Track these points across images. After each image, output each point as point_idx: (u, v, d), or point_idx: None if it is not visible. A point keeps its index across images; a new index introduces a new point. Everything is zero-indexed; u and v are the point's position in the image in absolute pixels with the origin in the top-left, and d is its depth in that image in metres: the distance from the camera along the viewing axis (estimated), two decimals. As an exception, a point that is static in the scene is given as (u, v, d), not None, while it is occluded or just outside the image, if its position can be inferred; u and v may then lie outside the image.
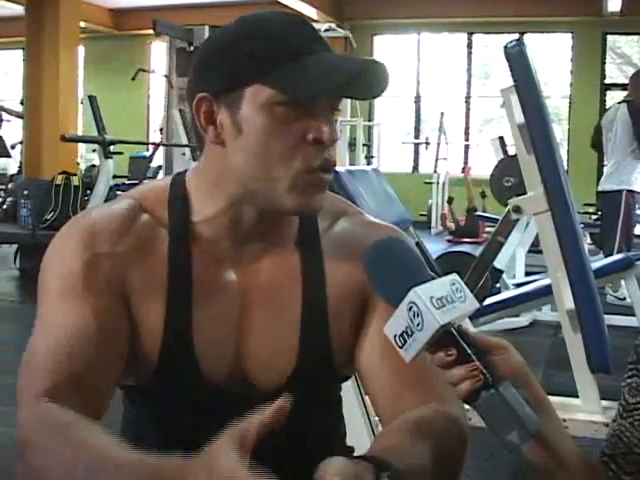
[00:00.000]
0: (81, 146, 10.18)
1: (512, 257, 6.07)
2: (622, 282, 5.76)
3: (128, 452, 0.97)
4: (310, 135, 1.12)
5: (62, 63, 8.77)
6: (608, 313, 4.03)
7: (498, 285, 5.19)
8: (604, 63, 13.68)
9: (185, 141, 8.58)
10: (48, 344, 1.11)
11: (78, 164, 10.70)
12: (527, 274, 6.55)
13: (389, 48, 14.99)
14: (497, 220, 3.81)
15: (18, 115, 10.46)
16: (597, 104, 13.34)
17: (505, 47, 3.22)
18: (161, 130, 10.59)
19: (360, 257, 1.19)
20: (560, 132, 13.49)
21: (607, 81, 13.67)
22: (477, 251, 4.46)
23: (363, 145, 11.64)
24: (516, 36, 3.92)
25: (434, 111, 13.86)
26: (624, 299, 6.29)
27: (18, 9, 10.39)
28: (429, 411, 1.15)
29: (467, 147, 14.02)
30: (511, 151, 7.98)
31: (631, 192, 6.55)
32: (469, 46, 14.44)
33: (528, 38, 12.84)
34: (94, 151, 9.68)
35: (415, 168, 14.73)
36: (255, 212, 1.19)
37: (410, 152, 14.86)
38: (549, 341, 5.29)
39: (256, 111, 1.11)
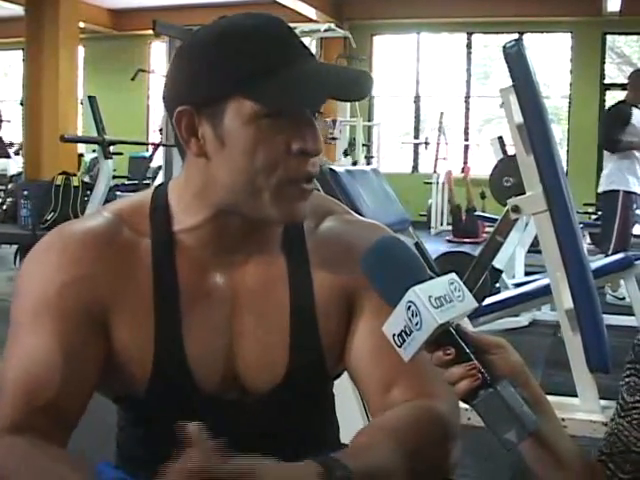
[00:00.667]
0: (81, 146, 10.16)
1: (511, 257, 6.07)
2: (621, 282, 5.77)
3: None
4: (294, 146, 1.11)
5: (62, 63, 8.76)
6: (607, 313, 4.03)
7: (497, 285, 5.20)
8: (604, 63, 13.67)
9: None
10: (16, 373, 1.10)
11: (82, 155, 10.68)
12: (526, 274, 6.55)
13: (388, 48, 14.98)
14: (496, 220, 3.81)
15: None
16: (596, 104, 13.34)
17: (504, 47, 3.22)
18: (160, 130, 10.58)
19: (346, 256, 1.20)
20: (560, 132, 13.49)
21: (606, 81, 13.66)
22: (476, 251, 4.46)
23: (363, 145, 11.63)
24: (515, 36, 3.93)
25: (433, 111, 13.86)
26: (623, 299, 6.29)
27: (18, 9, 10.38)
28: (412, 407, 1.15)
29: (467, 147, 14.01)
30: (510, 151, 7.99)
31: (628, 193, 6.56)
32: (468, 46, 14.43)
33: (528, 38, 12.88)
34: (94, 151, 9.70)
35: (415, 168, 14.72)
36: (240, 221, 1.18)
37: (410, 152, 14.86)
38: (548, 341, 5.28)
39: (240, 124, 1.10)
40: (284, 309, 1.22)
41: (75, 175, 8.26)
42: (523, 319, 5.70)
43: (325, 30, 10.60)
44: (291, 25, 1.17)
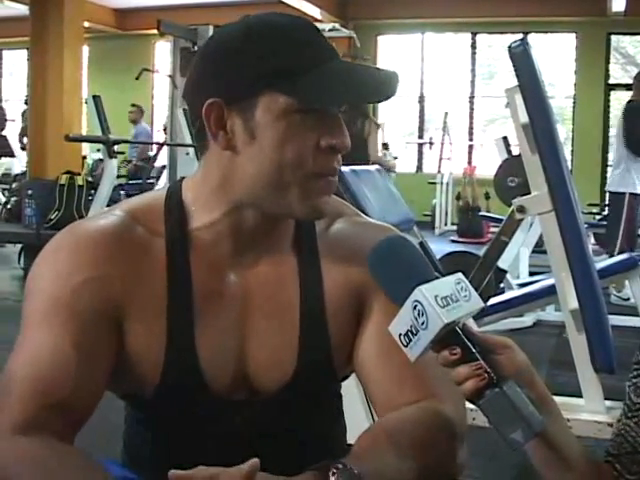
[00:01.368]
0: (84, 148, 10.18)
1: (516, 257, 6.07)
2: (626, 282, 5.75)
3: None
4: (324, 142, 1.12)
5: (66, 63, 8.76)
6: (612, 313, 4.02)
7: (502, 285, 5.19)
8: (608, 63, 13.65)
9: (189, 141, 8.58)
10: (27, 372, 1.09)
11: (85, 158, 10.70)
12: (531, 274, 6.55)
13: (393, 48, 14.98)
14: (501, 220, 3.80)
15: None
16: (601, 104, 13.34)
17: (509, 47, 3.21)
18: (165, 130, 10.60)
19: (356, 257, 1.19)
20: (564, 132, 13.48)
21: (611, 81, 13.64)
22: (481, 251, 4.46)
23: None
24: (520, 36, 3.92)
25: (438, 111, 13.84)
26: (628, 299, 6.28)
27: (22, 9, 10.40)
28: (418, 409, 1.15)
29: (471, 147, 14.01)
30: (515, 151, 7.98)
31: (634, 195, 6.57)
32: (473, 46, 14.43)
33: (532, 38, 12.83)
34: (98, 150, 9.70)
35: (419, 168, 14.72)
36: (257, 216, 1.18)
37: (414, 152, 14.85)
38: (553, 341, 5.28)
39: (272, 119, 1.10)
40: (294, 309, 1.22)
41: (79, 174, 8.27)
42: (527, 319, 5.70)
43: (330, 30, 10.62)
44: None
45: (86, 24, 10.31)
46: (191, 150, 8.59)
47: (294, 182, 1.12)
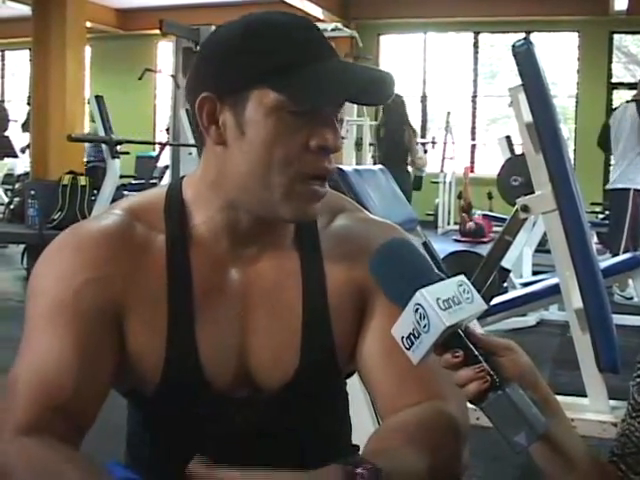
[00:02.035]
0: (87, 146, 10.17)
1: (519, 256, 6.06)
2: (630, 281, 5.75)
3: None
4: (313, 142, 1.10)
5: (69, 63, 8.76)
6: (615, 312, 4.02)
7: (505, 285, 5.18)
8: (610, 62, 13.65)
9: (192, 141, 8.58)
10: (31, 374, 1.09)
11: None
12: (534, 273, 6.55)
13: (395, 48, 14.98)
14: (504, 220, 3.80)
15: None
16: (604, 103, 13.33)
17: (513, 46, 3.21)
18: (168, 130, 10.59)
19: (360, 255, 1.19)
20: (567, 131, 13.46)
21: (614, 80, 13.64)
22: (484, 251, 4.45)
23: (370, 144, 11.62)
24: (522, 35, 3.91)
25: (440, 110, 13.83)
26: (631, 298, 6.28)
27: (25, 9, 10.40)
28: (423, 409, 1.15)
29: (473, 146, 14.00)
30: (518, 150, 7.98)
31: (639, 191, 6.54)
32: (475, 45, 14.44)
33: (534, 37, 12.82)
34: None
35: (422, 167, 14.70)
36: (251, 217, 1.17)
37: (416, 151, 14.83)
38: (556, 340, 5.28)
39: (262, 115, 1.10)
40: (297, 306, 1.21)
41: (82, 174, 8.27)
42: (531, 319, 5.70)
43: (332, 30, 10.60)
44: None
45: (88, 24, 10.31)
46: (194, 150, 8.60)
47: (280, 182, 1.11)
